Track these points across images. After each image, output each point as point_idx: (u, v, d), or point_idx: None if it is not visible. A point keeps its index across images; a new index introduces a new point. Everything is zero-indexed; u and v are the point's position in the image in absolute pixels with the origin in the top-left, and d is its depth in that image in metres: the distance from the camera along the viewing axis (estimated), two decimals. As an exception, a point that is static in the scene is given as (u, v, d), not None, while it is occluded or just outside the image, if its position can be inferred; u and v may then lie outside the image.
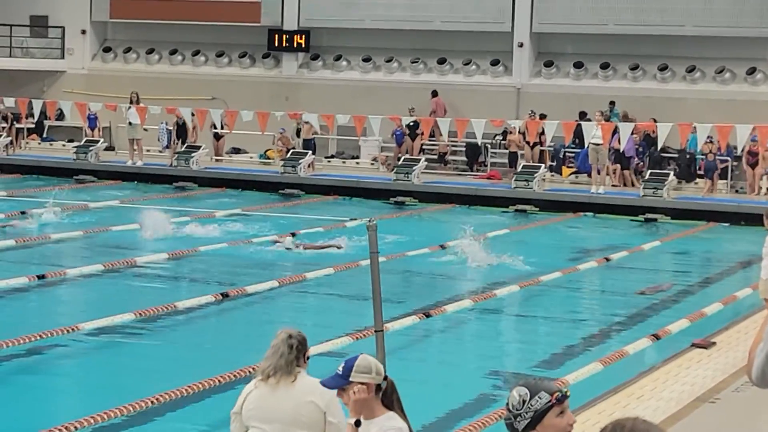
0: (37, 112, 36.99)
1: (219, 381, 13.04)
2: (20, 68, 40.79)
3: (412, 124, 34.76)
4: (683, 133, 30.96)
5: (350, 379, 6.20)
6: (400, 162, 33.42)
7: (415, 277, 20.18)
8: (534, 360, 15.12)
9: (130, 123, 34.81)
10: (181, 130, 35.50)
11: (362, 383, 6.17)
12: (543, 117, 33.52)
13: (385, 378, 6.25)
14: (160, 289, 18.58)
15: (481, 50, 37.48)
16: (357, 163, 36.26)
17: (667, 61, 35.59)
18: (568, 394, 5.49)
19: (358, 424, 6.16)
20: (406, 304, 17.88)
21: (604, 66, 36.27)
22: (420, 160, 33.44)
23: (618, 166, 32.69)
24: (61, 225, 24.84)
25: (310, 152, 34.12)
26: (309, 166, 33.80)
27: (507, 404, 5.44)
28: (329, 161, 36.21)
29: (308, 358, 7.29)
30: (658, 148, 32.42)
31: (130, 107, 34.54)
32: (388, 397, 6.22)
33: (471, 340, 15.90)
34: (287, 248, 22.50)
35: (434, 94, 36.58)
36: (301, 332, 7.27)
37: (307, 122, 34.74)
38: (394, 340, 13.82)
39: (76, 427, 11.14)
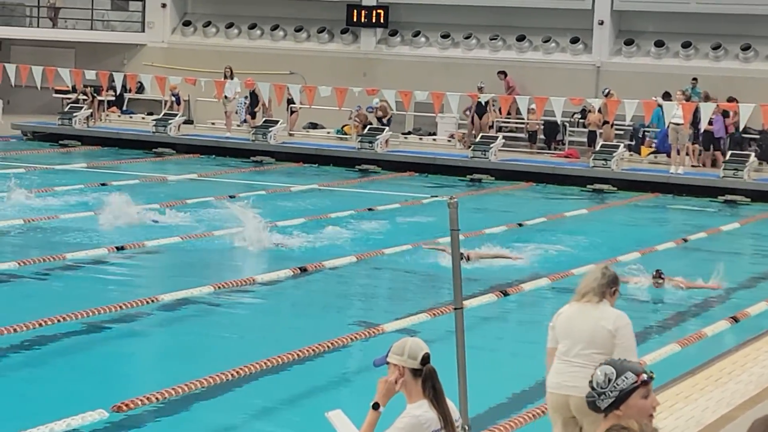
0: (117, 85, 37.30)
1: (297, 355, 13.12)
2: (101, 41, 41.15)
3: (483, 102, 34.57)
4: (766, 114, 30.54)
5: (387, 359, 6.27)
6: (478, 139, 33.31)
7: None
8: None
9: (225, 97, 35.21)
10: (253, 101, 35.81)
11: (395, 364, 6.24)
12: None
13: (424, 365, 6.26)
14: (237, 263, 18.69)
15: (561, 27, 37.20)
16: (434, 139, 36.19)
17: (749, 40, 35.11)
18: (653, 376, 5.47)
19: (375, 407, 6.22)
20: (483, 281, 17.86)
21: (686, 45, 35.85)
22: (498, 137, 33.30)
23: (696, 146, 32.36)
24: (139, 197, 25.05)
25: (387, 128, 34.12)
26: (385, 142, 33.80)
27: (590, 382, 5.41)
28: (406, 138, 36.17)
29: (615, 292, 8.53)
30: (740, 129, 32.01)
31: (225, 80, 35.03)
32: (424, 384, 6.25)
33: (547, 318, 15.79)
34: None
35: (504, 74, 36.35)
36: (615, 272, 8.63)
37: (384, 100, 34.61)
38: (471, 318, 13.80)
39: (157, 399, 11.26)
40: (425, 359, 6.25)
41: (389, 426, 6.15)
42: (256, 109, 36.09)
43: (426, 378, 6.22)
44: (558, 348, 8.55)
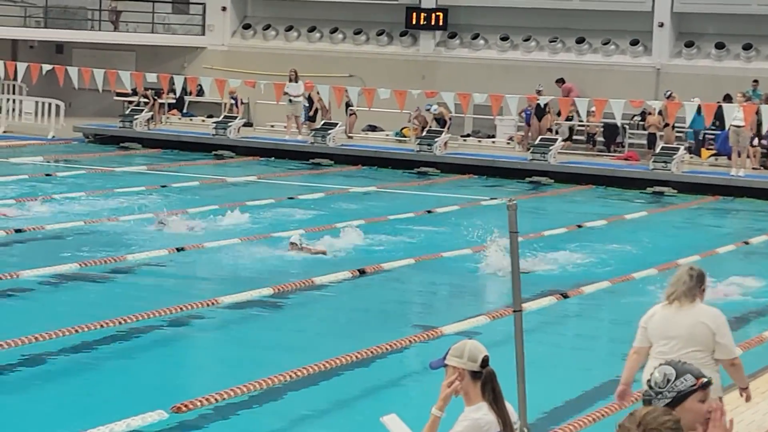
0: (178, 88, 37.54)
1: (355, 357, 13.14)
2: (162, 44, 41.45)
3: (542, 105, 34.44)
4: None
5: (445, 361, 6.24)
6: (537, 141, 33.20)
7: (552, 257, 20.02)
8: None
9: (290, 100, 35.39)
10: (309, 104, 36.01)
11: (454, 367, 6.22)
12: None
13: (484, 367, 6.24)
14: (296, 264, 18.73)
15: (620, 30, 37.00)
16: (493, 142, 36.11)
17: (812, 41, 34.77)
18: (712, 382, 5.43)
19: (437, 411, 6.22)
20: (542, 284, 17.78)
21: (747, 47, 35.54)
22: (557, 139, 33.17)
23: (758, 148, 32.06)
24: (198, 200, 25.22)
25: (446, 131, 34.08)
26: (444, 144, 33.76)
27: (648, 381, 5.38)
28: (465, 140, 36.11)
29: (704, 290, 8.71)
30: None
31: (289, 83, 35.19)
32: (484, 387, 6.23)
33: (607, 322, 15.76)
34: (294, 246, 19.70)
35: (562, 81, 36.18)
36: (701, 268, 8.79)
37: (442, 103, 34.55)
38: (530, 320, 13.75)
39: (216, 399, 11.31)
40: (485, 362, 6.22)
41: (449, 429, 6.13)
42: (311, 113, 36.18)
43: (485, 381, 6.20)
44: (654, 348, 8.69)
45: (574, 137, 35.34)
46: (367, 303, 16.93)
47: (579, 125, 35.47)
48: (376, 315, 16.17)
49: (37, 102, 36.92)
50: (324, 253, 19.40)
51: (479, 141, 36.22)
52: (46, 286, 16.56)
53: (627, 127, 34.62)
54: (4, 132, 36.01)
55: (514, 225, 8.24)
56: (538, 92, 34.41)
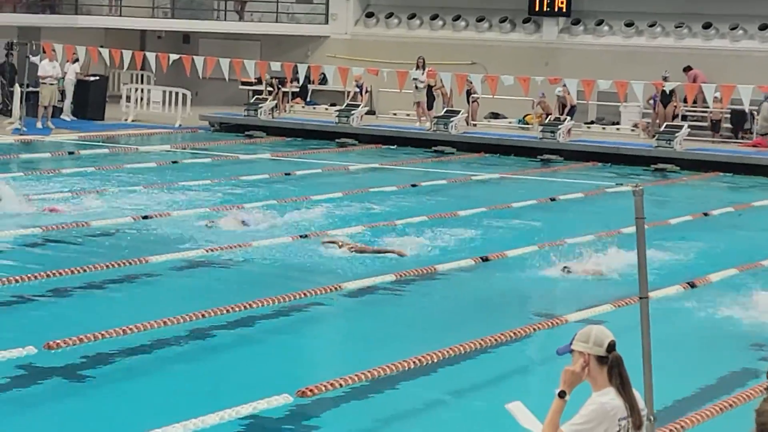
0: (301, 77, 37.79)
1: (479, 345, 13.12)
2: (286, 33, 41.79)
3: (668, 91, 33.98)
4: None
5: (571, 347, 6.21)
6: (662, 128, 32.76)
7: (678, 246, 19.75)
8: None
9: (416, 86, 35.46)
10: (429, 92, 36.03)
11: (580, 352, 6.18)
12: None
13: (610, 352, 6.17)
14: (418, 251, 18.73)
15: (749, 14, 36.32)
16: (617, 129, 35.73)
17: None
18: None
19: (561, 395, 6.15)
20: (669, 272, 17.56)
21: None
22: (683, 126, 32.70)
23: None
24: (321, 186, 25.39)
25: (569, 118, 33.80)
26: (568, 131, 33.50)
27: None
28: (588, 127, 35.80)
29: None
30: None
31: (416, 71, 35.38)
32: (610, 372, 6.18)
33: (735, 310, 15.47)
34: (331, 246, 18.50)
35: (688, 68, 35.60)
36: None
37: (564, 87, 34.27)
38: (656, 308, 13.59)
39: (341, 384, 11.38)
40: (611, 346, 6.19)
41: (574, 414, 6.10)
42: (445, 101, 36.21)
43: (612, 365, 6.17)
44: None
45: (698, 124, 34.77)
46: (491, 290, 16.85)
47: (703, 112, 34.92)
48: (499, 302, 16.10)
49: (164, 91, 37.47)
50: (401, 254, 18.17)
51: (603, 128, 35.87)
52: (173, 271, 16.80)
53: (755, 113, 33.99)
54: (133, 121, 36.63)
55: (641, 211, 8.12)
56: (664, 78, 33.94)
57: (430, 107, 35.93)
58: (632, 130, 35.28)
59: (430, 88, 35.96)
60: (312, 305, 15.15)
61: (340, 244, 18.34)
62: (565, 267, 17.40)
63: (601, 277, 17.28)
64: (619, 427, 6.11)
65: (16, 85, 33.36)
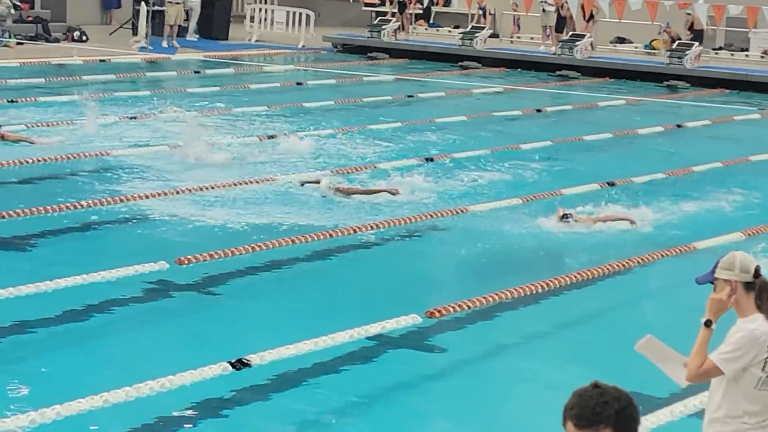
0: (425, -1, 37.60)
1: (607, 270, 13.06)
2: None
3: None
4: None
5: (715, 275, 6.08)
6: (793, 56, 32.04)
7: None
8: None
9: (543, 10, 35.18)
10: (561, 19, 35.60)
11: (725, 280, 6.03)
12: None
13: (757, 277, 6.05)
14: (545, 177, 18.63)
15: None
16: (746, 56, 35.01)
17: None
18: None
19: (707, 324, 6.03)
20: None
21: None
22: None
23: None
24: (445, 109, 25.33)
25: (697, 43, 33.18)
26: (696, 57, 32.90)
27: None
28: (716, 53, 35.12)
29: None
30: None
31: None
32: (759, 297, 6.04)
33: None
34: (322, 195, 16.60)
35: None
36: None
37: (689, 13, 33.66)
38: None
39: (468, 306, 11.42)
40: (757, 271, 6.07)
41: (721, 342, 6.03)
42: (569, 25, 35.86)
43: (760, 290, 6.03)
44: None
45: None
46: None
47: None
48: (622, 229, 15.91)
49: (288, 12, 37.56)
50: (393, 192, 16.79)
51: (732, 54, 35.16)
52: (292, 190, 16.88)
53: None
54: (257, 41, 36.82)
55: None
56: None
57: (560, 30, 35.49)
58: (762, 57, 34.52)
59: (559, 12, 35.52)
60: (438, 227, 15.18)
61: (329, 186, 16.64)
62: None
63: (726, 204, 17.06)
64: (768, 353, 6.02)
65: (143, 3, 33.70)
